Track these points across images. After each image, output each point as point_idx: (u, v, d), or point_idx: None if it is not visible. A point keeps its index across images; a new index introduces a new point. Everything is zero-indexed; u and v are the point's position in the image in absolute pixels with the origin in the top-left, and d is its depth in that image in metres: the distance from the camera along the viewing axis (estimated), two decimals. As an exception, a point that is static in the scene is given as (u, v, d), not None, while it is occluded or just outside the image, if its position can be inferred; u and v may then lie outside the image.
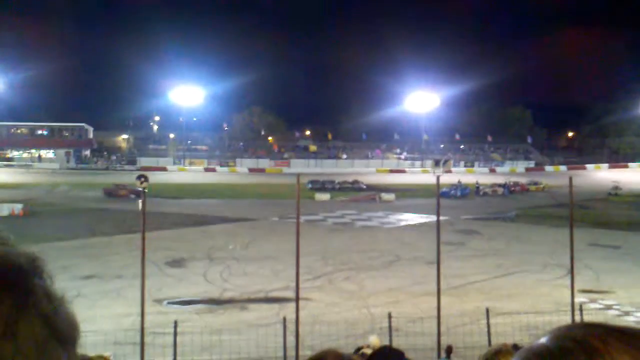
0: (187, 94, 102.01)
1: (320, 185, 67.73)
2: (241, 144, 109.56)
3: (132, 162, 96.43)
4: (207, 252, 32.06)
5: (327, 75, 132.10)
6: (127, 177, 64.21)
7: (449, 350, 13.91)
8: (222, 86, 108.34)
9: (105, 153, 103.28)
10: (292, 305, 15.82)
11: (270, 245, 33.66)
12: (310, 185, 66.21)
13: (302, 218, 27.78)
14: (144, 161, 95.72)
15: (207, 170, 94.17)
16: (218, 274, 27.33)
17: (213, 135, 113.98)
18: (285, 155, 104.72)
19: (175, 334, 14.86)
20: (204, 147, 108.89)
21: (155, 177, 61.15)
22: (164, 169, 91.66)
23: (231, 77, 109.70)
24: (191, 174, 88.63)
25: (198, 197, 59.49)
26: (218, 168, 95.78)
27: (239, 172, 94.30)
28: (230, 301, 23.14)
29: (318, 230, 40.20)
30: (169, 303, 22.61)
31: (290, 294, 19.62)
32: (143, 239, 14.04)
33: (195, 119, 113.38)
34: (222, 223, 43.36)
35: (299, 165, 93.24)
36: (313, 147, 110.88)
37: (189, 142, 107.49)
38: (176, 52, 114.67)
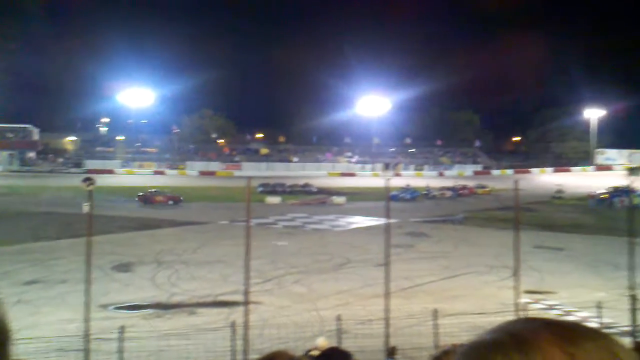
0: (136, 95, 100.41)
1: (271, 189, 67.56)
2: (191, 146, 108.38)
3: (79, 164, 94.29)
4: (155, 256, 31.60)
5: (279, 79, 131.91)
6: (74, 180, 62.76)
7: (392, 351, 14.05)
8: (173, 88, 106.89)
9: (51, 155, 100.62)
10: (242, 309, 15.74)
11: (220, 249, 33.39)
12: (261, 189, 65.96)
13: (253, 221, 27.69)
14: (90, 164, 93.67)
15: (156, 173, 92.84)
16: (166, 278, 26.97)
17: (163, 138, 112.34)
18: (236, 158, 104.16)
19: (121, 339, 14.59)
20: (153, 150, 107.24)
21: (102, 180, 60.05)
22: (111, 172, 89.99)
23: (182, 79, 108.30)
24: (140, 176, 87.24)
25: (147, 201, 58.58)
26: (167, 171, 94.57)
27: (189, 175, 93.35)
28: (178, 306, 22.85)
29: (268, 233, 40.09)
30: (115, 308, 22.18)
31: (240, 297, 19.48)
32: (88, 242, 13.76)
33: (144, 121, 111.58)
34: (170, 227, 42.82)
35: (250, 169, 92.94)
36: (264, 150, 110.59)
37: (138, 144, 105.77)
38: (126, 54, 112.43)
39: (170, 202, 55.44)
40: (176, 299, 23.72)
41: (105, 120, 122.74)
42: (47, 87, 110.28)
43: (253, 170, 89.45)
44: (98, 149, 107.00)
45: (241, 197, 21.22)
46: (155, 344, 16.03)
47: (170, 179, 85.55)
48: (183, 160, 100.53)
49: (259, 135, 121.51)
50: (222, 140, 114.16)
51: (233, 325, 15.21)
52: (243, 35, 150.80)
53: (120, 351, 14.57)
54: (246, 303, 14.58)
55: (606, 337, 0.79)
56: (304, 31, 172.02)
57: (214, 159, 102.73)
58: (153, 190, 59.24)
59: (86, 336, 13.36)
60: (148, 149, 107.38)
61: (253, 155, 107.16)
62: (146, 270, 28.42)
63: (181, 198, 57.06)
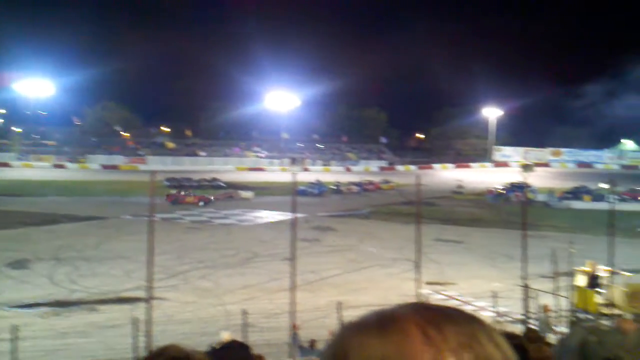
0: (35, 86, 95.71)
1: (177, 183, 66.25)
2: (93, 139, 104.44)
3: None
4: (54, 253, 30.36)
5: (186, 72, 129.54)
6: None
7: (312, 344, 14.24)
8: (74, 79, 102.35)
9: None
10: (145, 305, 15.41)
11: (123, 245, 32.51)
12: (167, 183, 64.57)
13: (158, 216, 27.12)
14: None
15: (55, 166, 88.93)
16: (65, 275, 26.01)
17: (63, 130, 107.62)
18: (141, 152, 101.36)
19: (14, 339, 13.93)
20: (52, 143, 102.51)
21: (-4, 174, 57.00)
22: (6, 165, 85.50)
23: (84, 69, 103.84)
24: (38, 170, 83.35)
25: (45, 195, 55.94)
26: (68, 164, 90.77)
27: (91, 168, 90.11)
28: (78, 303, 22.10)
29: (174, 228, 39.38)
30: (9, 307, 21.17)
31: (143, 293, 19.08)
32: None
33: (44, 113, 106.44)
34: (70, 222, 41.20)
35: (155, 163, 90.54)
36: (170, 144, 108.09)
37: (36, 136, 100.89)
38: (23, 42, 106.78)
39: (201, 203, 52.49)
40: (76, 297, 22.94)
41: (1, 111, 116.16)
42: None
43: (159, 165, 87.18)
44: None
45: (145, 191, 20.74)
46: (52, 343, 15.44)
47: (71, 172, 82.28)
48: (84, 154, 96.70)
49: (165, 129, 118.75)
50: (126, 134, 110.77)
51: (135, 321, 14.86)
52: (149, 27, 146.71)
53: (14, 351, 13.91)
54: (149, 299, 14.28)
55: (474, 323, 0.82)
56: (212, 24, 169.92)
57: (117, 152, 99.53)
58: (182, 191, 56.21)
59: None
60: (47, 142, 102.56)
61: (159, 149, 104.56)
62: (44, 267, 27.29)
63: (211, 198, 54.34)
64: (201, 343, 15.33)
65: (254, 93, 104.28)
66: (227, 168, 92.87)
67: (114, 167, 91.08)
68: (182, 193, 55.36)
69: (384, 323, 0.80)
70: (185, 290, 24.49)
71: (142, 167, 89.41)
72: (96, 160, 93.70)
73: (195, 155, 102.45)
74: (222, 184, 68.32)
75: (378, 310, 0.85)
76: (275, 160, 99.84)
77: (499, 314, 19.96)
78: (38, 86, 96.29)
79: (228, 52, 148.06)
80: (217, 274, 27.39)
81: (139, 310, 18.19)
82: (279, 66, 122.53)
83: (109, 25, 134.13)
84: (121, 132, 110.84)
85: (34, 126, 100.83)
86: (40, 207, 47.55)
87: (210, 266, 28.84)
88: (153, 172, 16.92)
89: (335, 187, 67.07)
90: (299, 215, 37.57)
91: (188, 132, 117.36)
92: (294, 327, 14.40)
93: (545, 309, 18.48)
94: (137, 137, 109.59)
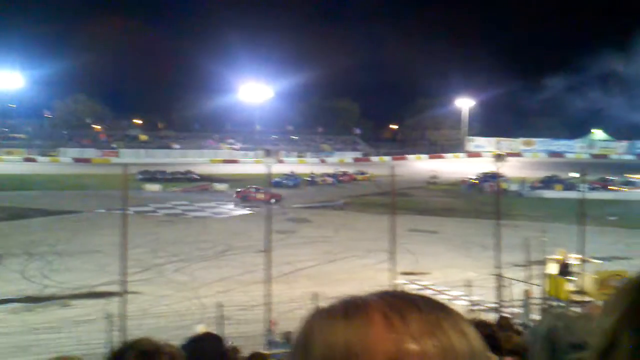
0: (4, 78, 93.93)
1: (151, 176, 65.63)
2: (65, 132, 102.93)
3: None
4: (26, 248, 29.94)
5: (159, 64, 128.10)
6: None
7: (288, 335, 14.25)
8: (44, 71, 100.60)
9: None
10: (119, 299, 15.30)
11: (97, 239, 32.14)
12: (140, 176, 63.91)
13: (131, 210, 26.91)
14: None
15: (26, 160, 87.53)
16: (37, 270, 25.69)
17: (33, 123, 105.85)
18: (114, 145, 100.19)
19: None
20: (22, 136, 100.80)
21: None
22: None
23: (54, 61, 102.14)
24: (8, 164, 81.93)
25: (15, 189, 54.99)
26: (39, 158, 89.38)
27: (63, 162, 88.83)
28: (50, 298, 21.85)
29: (148, 221, 39.07)
30: (-21, 303, 20.87)
31: (117, 288, 18.93)
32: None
33: (13, 106, 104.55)
34: (42, 216, 40.64)
35: (128, 155, 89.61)
36: (143, 137, 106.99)
37: (5, 129, 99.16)
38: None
39: (273, 200, 48.46)
40: (48, 292, 22.67)
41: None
42: None
43: (132, 157, 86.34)
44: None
45: (118, 185, 20.55)
46: (24, 339, 15.27)
47: (42, 166, 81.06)
48: (56, 147, 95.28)
49: (138, 122, 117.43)
50: (98, 126, 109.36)
51: (109, 316, 14.75)
52: (121, 17, 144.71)
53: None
54: (123, 293, 14.18)
55: (439, 311, 0.82)
56: (184, 15, 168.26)
57: (89, 145, 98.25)
58: (253, 187, 52.66)
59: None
60: (17, 135, 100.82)
61: (131, 142, 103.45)
62: (15, 263, 26.93)
63: (282, 196, 52.13)
64: (176, 336, 15.28)
65: (228, 85, 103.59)
66: (201, 160, 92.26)
67: (86, 161, 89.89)
68: (253, 190, 52.17)
69: (350, 310, 0.81)
70: (160, 283, 24.35)
71: (114, 160, 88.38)
72: (68, 154, 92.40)
73: (169, 147, 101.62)
74: (196, 177, 67.91)
75: (347, 297, 0.85)
76: (250, 152, 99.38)
77: (472, 303, 20.19)
78: (7, 79, 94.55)
79: (201, 44, 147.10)
80: (192, 266, 27.28)
81: (113, 305, 18.06)
82: (252, 57, 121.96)
83: (80, 16, 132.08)
84: (93, 125, 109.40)
85: (3, 119, 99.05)
86: (11, 201, 46.78)
87: (185, 259, 28.71)
88: (126, 165, 16.75)
89: (309, 179, 67.09)
90: (274, 207, 37.62)
91: (161, 125, 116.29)
92: (270, 324, 14.40)
93: (527, 294, 18.79)
94: (109, 129, 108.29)
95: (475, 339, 0.82)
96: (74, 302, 21.46)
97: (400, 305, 0.80)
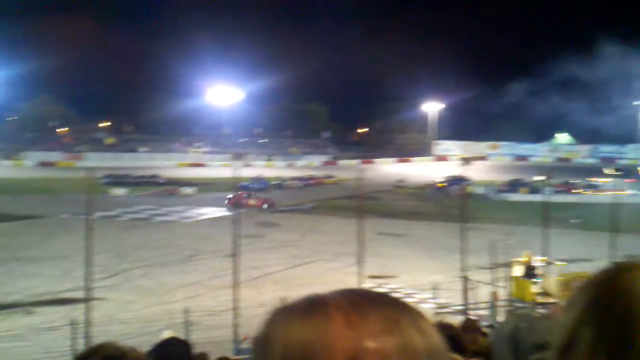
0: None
1: (116, 180, 64.82)
2: (29, 135, 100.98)
3: None
4: (-14, 254, 29.28)
5: (126, 66, 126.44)
6: None
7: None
8: (7, 72, 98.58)
9: None
10: (84, 306, 15.07)
11: (61, 244, 31.61)
12: (106, 180, 63.06)
13: (96, 214, 26.53)
14: None
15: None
16: (-1, 277, 25.13)
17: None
18: (79, 148, 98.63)
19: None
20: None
21: None
22: None
23: (19, 62, 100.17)
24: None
25: (-23, 194, 53.80)
26: (2, 162, 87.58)
27: (26, 166, 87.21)
28: (13, 306, 21.40)
29: (114, 226, 38.53)
30: (-62, 311, 20.35)
31: (83, 294, 18.63)
32: None
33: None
34: (5, 221, 39.78)
35: (94, 159, 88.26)
36: (110, 140, 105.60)
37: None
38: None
39: (265, 206, 49.37)
40: (11, 299, 22.20)
41: None
42: None
43: (98, 161, 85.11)
44: None
45: (83, 189, 20.25)
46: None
47: (5, 170, 79.40)
48: (19, 151, 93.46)
49: (104, 125, 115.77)
50: (63, 129, 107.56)
51: (74, 323, 14.51)
52: (88, 18, 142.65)
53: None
54: (88, 299, 13.97)
55: (399, 309, 0.82)
56: (152, 17, 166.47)
57: (54, 149, 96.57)
58: (245, 193, 51.72)
59: None
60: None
61: (97, 145, 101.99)
62: (-25, 269, 26.27)
63: (275, 202, 51.34)
64: (143, 343, 15.11)
65: (196, 87, 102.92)
66: (168, 164, 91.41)
67: (50, 165, 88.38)
68: (245, 196, 51.14)
69: (310, 307, 0.81)
70: (126, 289, 24.05)
71: (80, 163, 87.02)
72: (32, 157, 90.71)
73: (136, 151, 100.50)
74: (161, 181, 67.23)
75: (309, 294, 0.85)
76: (218, 156, 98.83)
77: (439, 306, 20.38)
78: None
79: (169, 46, 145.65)
80: (158, 272, 27.00)
81: (78, 312, 17.77)
82: (221, 60, 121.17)
83: (46, 16, 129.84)
84: (58, 128, 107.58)
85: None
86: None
87: (151, 264, 28.42)
88: (90, 169, 16.52)
89: (278, 182, 66.98)
90: (242, 211, 37.46)
91: (128, 128, 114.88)
92: (243, 339, 14.30)
93: (494, 296, 19.03)
94: (75, 132, 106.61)
95: (435, 336, 0.82)
96: (37, 309, 21.07)
97: (360, 303, 0.80)
